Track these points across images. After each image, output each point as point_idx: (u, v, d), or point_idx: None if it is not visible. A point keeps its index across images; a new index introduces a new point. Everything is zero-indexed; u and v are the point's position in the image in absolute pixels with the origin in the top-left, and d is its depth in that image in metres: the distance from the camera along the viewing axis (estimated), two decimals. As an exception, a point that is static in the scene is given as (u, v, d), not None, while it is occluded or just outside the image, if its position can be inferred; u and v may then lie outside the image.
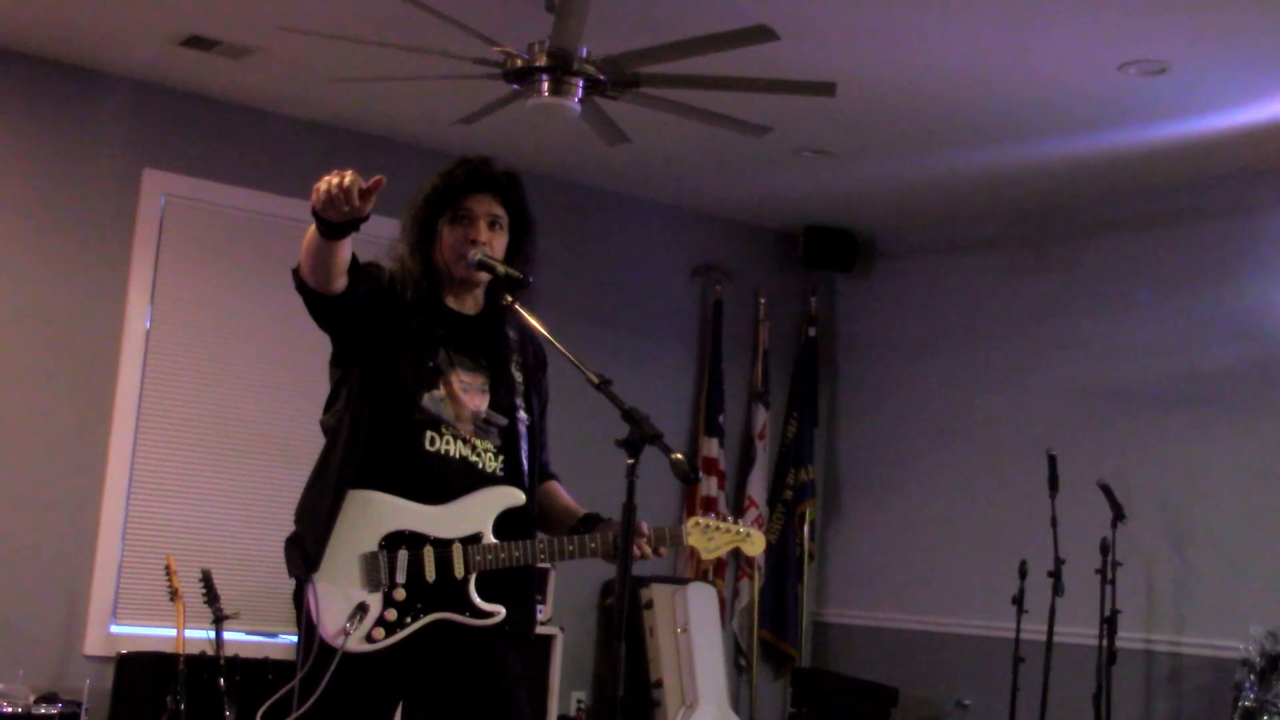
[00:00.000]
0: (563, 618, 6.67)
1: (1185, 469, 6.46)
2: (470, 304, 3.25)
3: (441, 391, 3.12)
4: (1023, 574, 6.17)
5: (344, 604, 3.00)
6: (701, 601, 7.18)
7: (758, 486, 7.72)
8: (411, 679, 3.07)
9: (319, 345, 3.24)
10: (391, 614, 3.02)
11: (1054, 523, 6.13)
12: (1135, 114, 5.79)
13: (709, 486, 7.49)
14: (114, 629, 5.94)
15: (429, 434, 3.09)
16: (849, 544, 7.89)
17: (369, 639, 3.01)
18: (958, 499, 7.34)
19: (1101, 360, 6.87)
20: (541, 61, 4.73)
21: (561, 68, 4.73)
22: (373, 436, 3.07)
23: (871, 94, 5.76)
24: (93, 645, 5.88)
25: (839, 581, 7.89)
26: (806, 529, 7.78)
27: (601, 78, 4.81)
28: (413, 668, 3.06)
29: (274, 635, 5.92)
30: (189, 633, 5.49)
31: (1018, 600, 6.17)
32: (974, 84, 5.60)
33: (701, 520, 3.32)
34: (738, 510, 7.59)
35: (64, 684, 5.66)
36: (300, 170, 5.08)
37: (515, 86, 4.89)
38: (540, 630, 6.13)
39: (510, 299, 3.19)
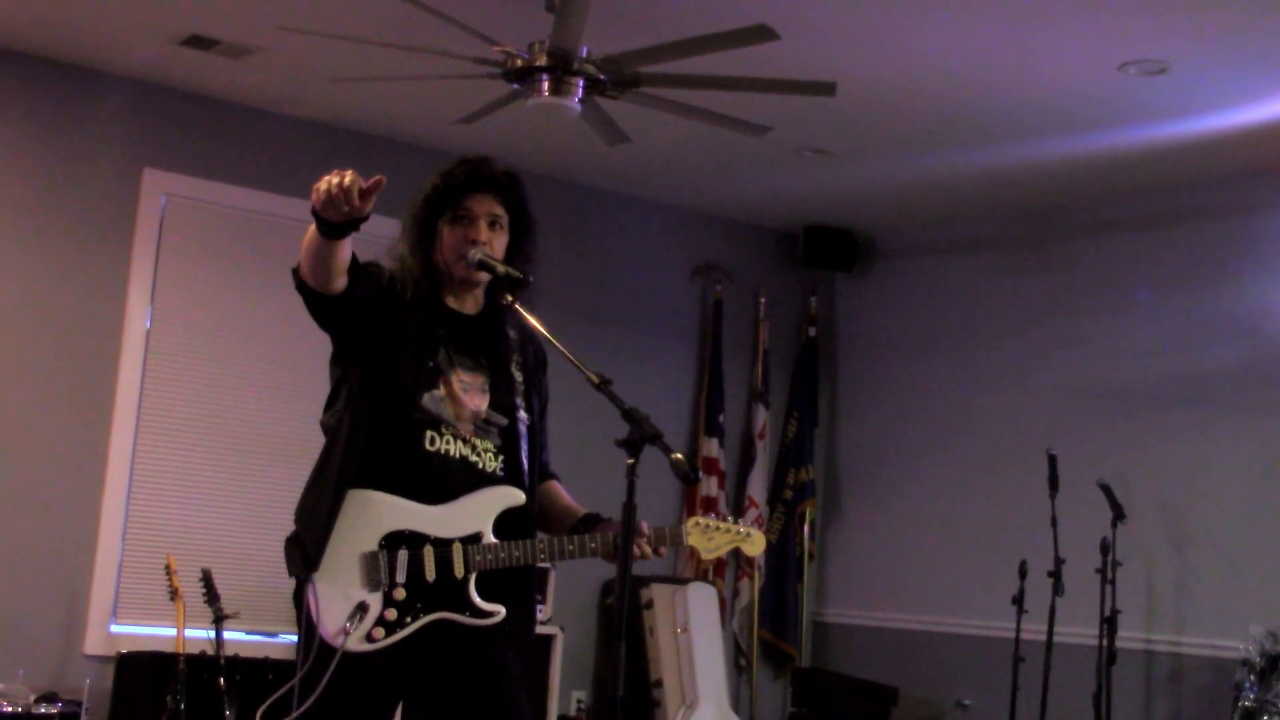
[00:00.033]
0: (563, 617, 6.66)
1: (1185, 469, 6.46)
2: (470, 304, 3.25)
3: (441, 391, 3.12)
4: (1023, 574, 6.17)
5: (344, 603, 3.00)
6: (701, 601, 7.17)
7: (758, 486, 7.72)
8: (411, 678, 3.07)
9: (319, 345, 3.24)
10: (391, 613, 3.02)
11: (1054, 522, 6.13)
12: (1135, 114, 5.79)
13: (709, 486, 7.49)
14: (114, 629, 5.94)
15: (429, 434, 3.09)
16: (849, 544, 7.89)
17: (369, 638, 3.01)
18: (958, 499, 7.33)
19: (1101, 360, 6.87)
20: (541, 61, 4.73)
21: (561, 67, 4.73)
22: (373, 436, 3.07)
23: (871, 94, 5.76)
24: (93, 645, 5.88)
25: (839, 581, 7.89)
26: (806, 529, 7.78)
27: (601, 77, 4.80)
28: (413, 667, 3.06)
29: (274, 635, 5.92)
30: (189, 632, 5.49)
31: (1018, 600, 6.17)
32: (974, 84, 5.60)
33: (701, 520, 3.32)
34: (738, 510, 7.58)
35: (64, 684, 5.66)
36: (300, 170, 5.09)
37: (515, 86, 4.89)
38: (540, 630, 6.13)
39: (510, 299, 3.19)
